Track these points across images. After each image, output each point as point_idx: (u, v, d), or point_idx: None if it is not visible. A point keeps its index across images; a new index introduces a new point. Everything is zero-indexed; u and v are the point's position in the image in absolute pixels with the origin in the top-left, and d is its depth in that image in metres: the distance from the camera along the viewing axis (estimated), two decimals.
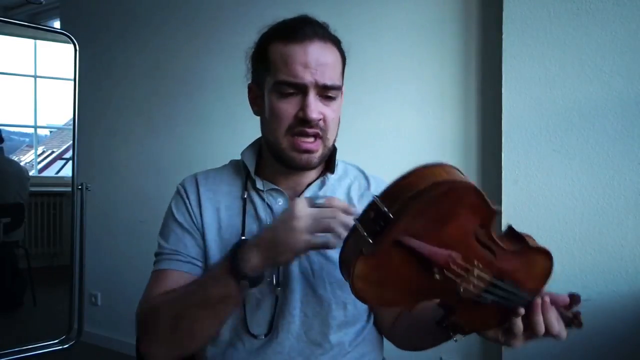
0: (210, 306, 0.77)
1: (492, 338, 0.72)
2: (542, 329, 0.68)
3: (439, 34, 2.00)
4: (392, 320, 0.95)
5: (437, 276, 0.58)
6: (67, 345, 2.46)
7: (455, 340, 0.75)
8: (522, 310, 0.67)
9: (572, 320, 0.74)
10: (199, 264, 0.90)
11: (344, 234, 0.65)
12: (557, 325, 0.70)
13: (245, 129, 2.53)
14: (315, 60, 0.81)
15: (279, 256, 0.72)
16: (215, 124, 2.62)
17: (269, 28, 0.89)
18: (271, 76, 0.84)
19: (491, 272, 0.62)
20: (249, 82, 0.94)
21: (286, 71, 0.81)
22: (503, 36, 1.72)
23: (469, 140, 1.94)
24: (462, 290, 0.61)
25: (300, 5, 2.19)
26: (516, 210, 1.67)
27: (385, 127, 2.04)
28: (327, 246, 0.69)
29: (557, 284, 1.72)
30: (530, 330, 0.69)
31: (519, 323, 0.68)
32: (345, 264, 0.61)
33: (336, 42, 0.87)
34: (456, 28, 1.97)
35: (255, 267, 0.73)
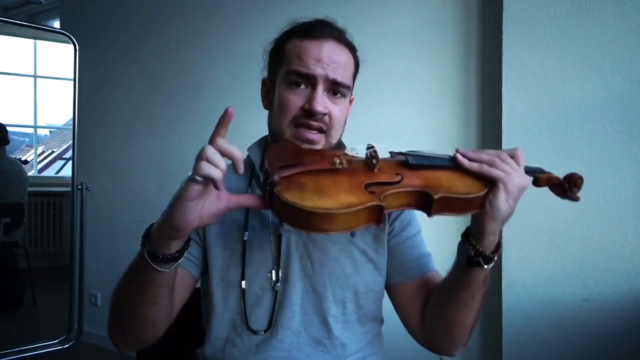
0: (133, 281, 0.76)
1: (500, 213, 0.72)
2: (494, 159, 0.73)
3: (439, 34, 2.00)
4: (418, 312, 0.91)
5: (342, 164, 0.72)
6: (67, 345, 2.46)
7: (494, 260, 0.75)
8: (459, 155, 0.75)
9: (569, 180, 0.77)
10: (188, 255, 0.90)
11: (215, 157, 0.64)
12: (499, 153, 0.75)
13: (245, 129, 2.53)
14: (328, 57, 0.83)
15: (172, 223, 0.67)
16: (215, 124, 2.61)
17: (290, 27, 0.90)
18: (284, 67, 0.86)
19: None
20: (264, 77, 0.96)
21: (298, 62, 0.83)
22: (503, 36, 1.72)
23: (469, 140, 1.94)
24: (375, 166, 0.73)
25: (300, 6, 2.21)
26: (516, 210, 1.67)
27: (385, 127, 2.05)
28: (204, 172, 0.63)
29: (557, 284, 1.72)
30: (496, 166, 0.73)
31: (481, 167, 0.73)
32: (286, 212, 0.65)
33: (351, 48, 0.90)
34: (456, 28, 1.97)
35: (155, 237, 0.70)
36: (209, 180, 0.64)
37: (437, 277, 0.93)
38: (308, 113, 0.83)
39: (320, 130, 0.85)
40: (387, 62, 2.07)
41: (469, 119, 1.95)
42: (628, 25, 1.56)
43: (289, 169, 0.69)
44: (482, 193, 0.72)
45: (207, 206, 0.68)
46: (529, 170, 0.78)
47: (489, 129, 1.88)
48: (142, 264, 0.72)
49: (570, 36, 1.63)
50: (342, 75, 0.85)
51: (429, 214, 0.70)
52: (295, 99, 0.84)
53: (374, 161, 0.74)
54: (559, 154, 1.63)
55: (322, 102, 0.83)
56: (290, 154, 0.74)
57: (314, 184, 0.69)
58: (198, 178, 0.63)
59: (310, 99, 0.83)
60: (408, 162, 0.75)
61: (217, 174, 0.63)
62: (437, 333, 0.88)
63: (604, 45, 1.58)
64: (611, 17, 1.57)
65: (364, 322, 0.93)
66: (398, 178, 0.72)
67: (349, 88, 0.88)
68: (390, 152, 0.79)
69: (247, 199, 0.71)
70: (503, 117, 1.73)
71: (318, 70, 0.82)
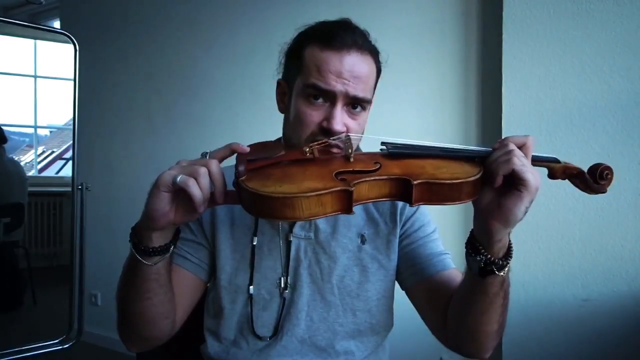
0: (126, 276, 0.77)
1: (517, 219, 0.66)
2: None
3: (439, 34, 2.00)
4: (440, 313, 0.86)
5: (313, 153, 0.71)
6: (67, 345, 2.45)
7: (508, 264, 0.70)
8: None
9: (593, 172, 0.71)
10: (193, 258, 0.91)
11: (204, 180, 0.66)
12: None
13: (245, 129, 2.54)
14: (349, 72, 0.79)
15: (147, 212, 0.69)
16: (215, 124, 2.62)
17: (308, 28, 0.86)
18: (302, 78, 0.81)
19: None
20: (279, 77, 0.92)
21: (318, 76, 0.79)
22: (503, 36, 1.72)
23: (469, 140, 1.94)
24: (350, 155, 0.72)
25: (300, 6, 2.20)
26: None
27: (385, 127, 2.04)
28: (187, 188, 0.65)
29: (557, 284, 1.72)
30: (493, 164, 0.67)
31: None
32: (250, 201, 0.65)
33: (374, 53, 0.85)
34: (456, 28, 1.97)
35: (138, 227, 0.72)
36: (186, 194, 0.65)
37: (456, 276, 0.88)
38: (326, 131, 0.79)
39: (337, 147, 0.80)
40: (387, 62, 2.07)
41: (469, 118, 1.95)
42: (628, 26, 1.56)
43: (257, 161, 0.68)
44: (471, 178, 0.65)
45: (183, 204, 0.69)
46: (541, 160, 0.74)
47: (489, 128, 1.88)
48: (131, 257, 0.73)
49: (570, 36, 1.63)
50: (364, 89, 0.81)
51: (411, 203, 0.65)
52: (314, 114, 0.80)
53: (349, 150, 0.72)
54: (558, 154, 1.63)
55: (341, 120, 0.79)
56: (267, 149, 0.72)
57: (280, 173, 0.67)
58: (177, 183, 0.65)
59: (329, 116, 0.79)
60: (388, 150, 0.70)
61: (197, 195, 0.65)
62: (462, 340, 0.83)
63: (604, 45, 1.58)
64: (611, 17, 1.57)
65: (378, 331, 0.93)
66: (376, 167, 0.68)
67: (370, 101, 0.84)
68: (382, 143, 0.74)
69: (220, 198, 0.70)
70: (503, 117, 1.72)
71: (338, 87, 0.78)
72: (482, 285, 0.72)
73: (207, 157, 0.70)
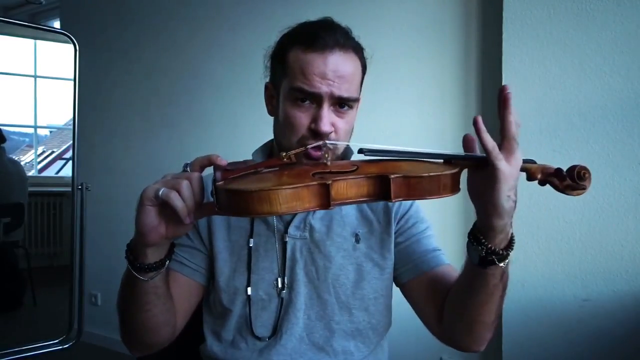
0: (124, 290, 0.78)
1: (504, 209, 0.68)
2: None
3: (439, 34, 2.00)
4: (435, 309, 0.87)
5: (290, 158, 0.72)
6: (67, 345, 2.45)
7: (509, 256, 0.70)
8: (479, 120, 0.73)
9: (571, 173, 0.74)
10: (191, 264, 0.91)
11: (187, 192, 0.66)
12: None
13: (244, 129, 2.54)
14: (333, 72, 0.79)
15: (137, 228, 0.69)
16: (215, 124, 2.62)
17: (291, 29, 0.87)
18: (287, 81, 0.82)
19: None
20: (267, 80, 0.92)
21: (302, 79, 0.79)
22: (503, 36, 1.73)
23: None
24: (327, 159, 0.73)
25: (301, 6, 2.20)
26: (516, 211, 1.67)
27: (385, 127, 2.05)
28: (169, 200, 0.65)
29: (557, 284, 1.72)
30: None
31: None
32: (227, 202, 0.64)
33: (358, 50, 0.86)
34: (456, 28, 1.97)
35: (132, 244, 0.72)
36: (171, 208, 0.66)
37: (450, 271, 0.89)
38: (315, 133, 0.80)
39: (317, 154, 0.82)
40: (387, 62, 2.07)
41: (469, 119, 1.95)
42: (628, 26, 1.56)
43: (235, 170, 0.68)
44: (448, 172, 0.66)
45: (171, 218, 0.69)
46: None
47: (489, 129, 1.88)
48: (128, 273, 0.74)
49: (570, 36, 1.63)
50: (349, 89, 0.81)
51: (390, 199, 0.65)
52: (302, 117, 0.81)
53: (327, 156, 0.72)
54: (559, 154, 1.63)
55: (329, 120, 0.80)
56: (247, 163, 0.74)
57: (257, 177, 0.68)
58: (160, 196, 0.66)
59: (317, 117, 0.80)
60: (364, 154, 0.70)
61: (179, 206, 0.65)
62: (458, 333, 0.84)
63: (604, 45, 1.58)
64: (611, 17, 1.57)
65: (379, 331, 0.93)
66: (353, 168, 0.69)
67: (357, 100, 0.85)
68: (360, 150, 0.73)
69: (204, 210, 0.70)
70: None
71: (323, 88, 0.79)
72: (482, 276, 0.72)
73: (189, 168, 0.70)
